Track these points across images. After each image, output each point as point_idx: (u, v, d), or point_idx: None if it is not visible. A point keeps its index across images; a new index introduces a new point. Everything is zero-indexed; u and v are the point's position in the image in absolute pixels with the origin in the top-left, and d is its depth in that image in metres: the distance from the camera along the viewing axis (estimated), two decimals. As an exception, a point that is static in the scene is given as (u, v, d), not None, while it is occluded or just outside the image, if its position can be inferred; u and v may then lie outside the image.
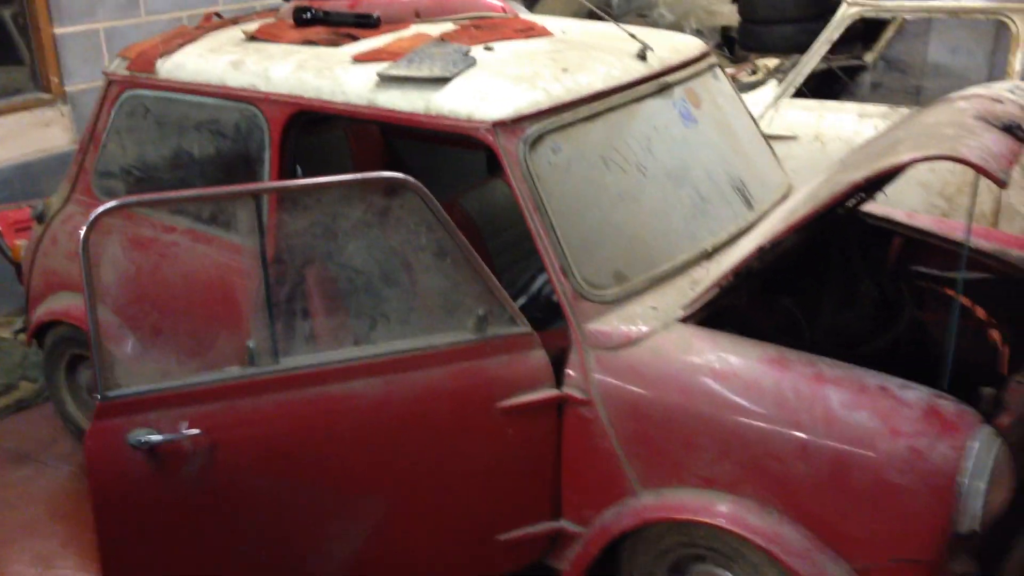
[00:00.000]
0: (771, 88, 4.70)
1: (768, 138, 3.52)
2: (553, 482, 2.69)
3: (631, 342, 2.55)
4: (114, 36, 5.26)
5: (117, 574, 2.46)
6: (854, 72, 5.40)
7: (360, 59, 2.98)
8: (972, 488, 2.20)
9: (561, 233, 2.62)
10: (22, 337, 4.07)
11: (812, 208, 2.37)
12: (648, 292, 2.70)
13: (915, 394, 2.32)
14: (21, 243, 3.93)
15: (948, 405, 2.29)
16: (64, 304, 3.63)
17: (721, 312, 2.64)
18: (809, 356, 2.45)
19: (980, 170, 2.13)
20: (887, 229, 3.19)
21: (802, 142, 4.48)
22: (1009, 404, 2.50)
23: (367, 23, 3.27)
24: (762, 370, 2.44)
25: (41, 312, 3.73)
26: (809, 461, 2.32)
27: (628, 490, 2.57)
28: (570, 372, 2.60)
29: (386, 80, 2.83)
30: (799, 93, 4.64)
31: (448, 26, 3.27)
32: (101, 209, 2.31)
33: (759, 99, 4.65)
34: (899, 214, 3.24)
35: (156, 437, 2.35)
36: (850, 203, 3.06)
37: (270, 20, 3.51)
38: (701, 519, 2.47)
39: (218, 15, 3.75)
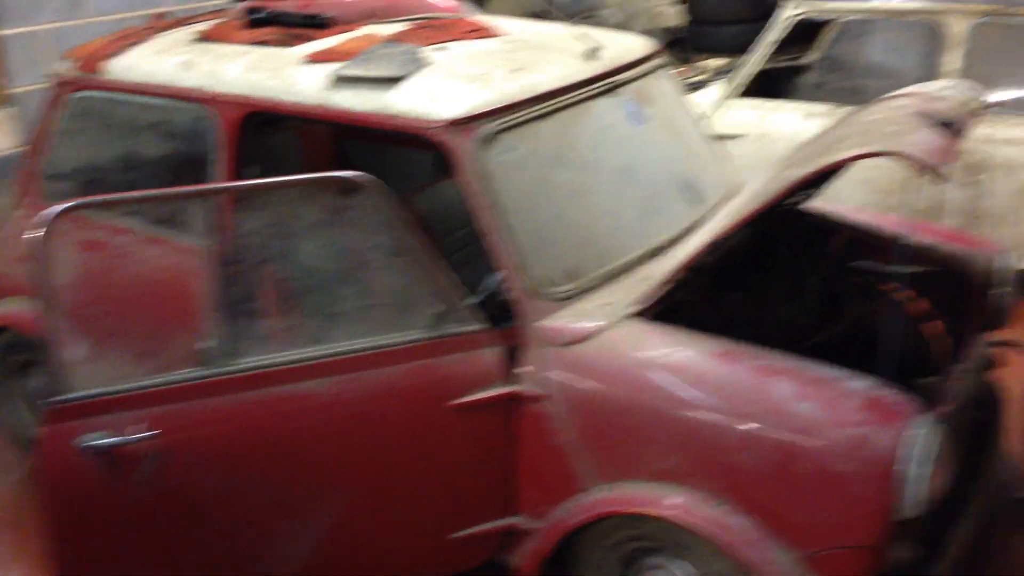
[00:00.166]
0: (718, 88, 4.79)
1: (716, 137, 3.58)
2: (506, 479, 2.70)
3: (584, 338, 2.59)
4: (60, 36, 5.19)
5: None
6: (797, 72, 5.52)
7: (313, 59, 2.98)
8: (914, 474, 2.26)
9: (513, 231, 2.64)
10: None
11: (760, 204, 2.42)
12: (600, 289, 2.73)
13: (858, 384, 2.38)
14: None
15: (890, 395, 2.35)
16: (12, 310, 3.58)
17: (672, 308, 2.69)
18: (757, 350, 2.50)
19: (921, 165, 2.19)
20: (832, 225, 3.27)
21: (749, 140, 4.57)
22: (950, 393, 2.58)
23: (319, 23, 3.26)
24: (712, 363, 2.48)
25: (-12, 318, 3.66)
26: (756, 452, 2.36)
27: (583, 485, 2.60)
28: (523, 369, 2.62)
29: (339, 80, 2.83)
30: (745, 92, 4.74)
31: (400, 27, 3.28)
32: (54, 210, 2.29)
33: (706, 99, 4.74)
34: (844, 210, 3.31)
35: (108, 440, 2.33)
36: (795, 199, 3.13)
37: (220, 20, 3.49)
38: (651, 511, 2.50)
39: (162, 16, 3.72)
